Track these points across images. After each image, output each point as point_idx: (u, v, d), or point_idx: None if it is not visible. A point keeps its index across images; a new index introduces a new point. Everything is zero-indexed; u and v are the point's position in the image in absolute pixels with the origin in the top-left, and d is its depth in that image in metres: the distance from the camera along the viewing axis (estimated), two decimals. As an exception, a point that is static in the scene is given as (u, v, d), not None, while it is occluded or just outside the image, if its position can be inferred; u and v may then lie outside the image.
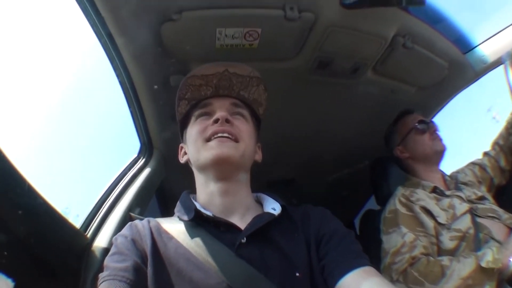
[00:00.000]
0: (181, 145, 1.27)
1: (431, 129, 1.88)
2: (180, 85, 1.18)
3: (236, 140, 1.09)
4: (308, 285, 0.98)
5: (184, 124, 1.23)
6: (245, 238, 0.99)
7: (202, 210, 1.06)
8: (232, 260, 0.97)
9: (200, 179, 1.16)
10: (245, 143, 1.11)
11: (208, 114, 1.15)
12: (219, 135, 1.08)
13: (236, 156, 1.07)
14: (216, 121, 1.09)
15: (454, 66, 2.00)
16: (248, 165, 1.16)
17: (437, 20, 1.85)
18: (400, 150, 1.94)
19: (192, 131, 1.15)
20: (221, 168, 1.09)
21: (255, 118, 1.24)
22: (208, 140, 1.09)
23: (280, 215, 1.07)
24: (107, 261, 0.98)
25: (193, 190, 1.20)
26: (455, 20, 1.94)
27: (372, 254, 1.63)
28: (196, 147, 1.12)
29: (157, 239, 1.02)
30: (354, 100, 2.06)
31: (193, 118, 1.18)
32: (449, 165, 2.00)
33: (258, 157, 1.22)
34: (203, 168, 1.12)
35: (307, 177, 2.59)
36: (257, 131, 1.24)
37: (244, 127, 1.14)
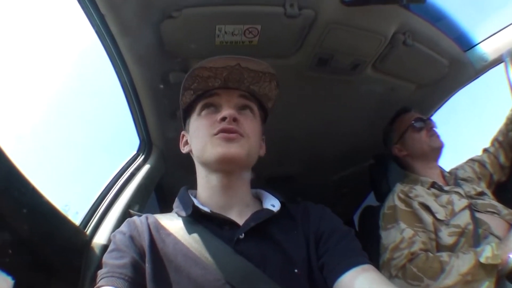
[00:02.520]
0: (183, 132, 1.25)
1: (428, 126, 1.88)
2: (186, 75, 1.13)
3: (242, 136, 1.07)
4: (306, 282, 0.97)
5: (187, 113, 1.20)
6: (243, 234, 0.99)
7: (200, 206, 1.06)
8: (230, 256, 0.96)
9: (201, 172, 1.14)
10: (251, 141, 1.09)
11: (215, 106, 1.12)
12: (226, 134, 1.05)
13: (242, 155, 1.06)
14: (224, 119, 1.06)
15: (454, 63, 2.00)
16: (253, 161, 1.14)
17: (438, 18, 1.85)
18: (398, 149, 1.94)
19: (198, 124, 1.13)
20: (226, 166, 1.08)
21: (262, 111, 1.22)
22: (214, 135, 1.06)
23: (279, 211, 1.07)
24: (106, 258, 0.98)
25: (192, 186, 1.19)
26: (456, 18, 1.94)
27: (371, 250, 1.64)
28: (201, 143, 1.09)
29: (155, 236, 1.02)
30: (354, 97, 2.06)
31: (198, 109, 1.15)
32: (449, 162, 2.01)
33: (262, 151, 1.20)
34: (206, 163, 1.10)
35: (307, 174, 2.59)
36: (263, 124, 1.22)
37: (252, 124, 1.12)
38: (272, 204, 1.10)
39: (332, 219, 1.11)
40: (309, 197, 1.40)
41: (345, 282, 0.92)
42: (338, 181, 2.70)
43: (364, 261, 0.96)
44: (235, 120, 1.06)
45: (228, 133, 1.05)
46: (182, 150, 1.22)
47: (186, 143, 1.21)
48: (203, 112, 1.13)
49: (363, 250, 1.03)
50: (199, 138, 1.11)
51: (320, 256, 1.01)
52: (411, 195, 1.69)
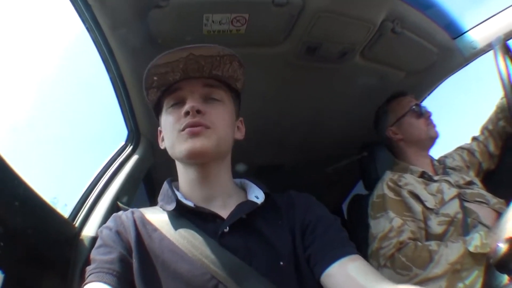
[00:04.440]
0: (159, 128, 1.22)
1: (426, 115, 1.87)
2: (144, 76, 1.10)
3: (208, 127, 1.04)
4: (293, 274, 0.98)
5: (158, 109, 1.18)
6: (227, 228, 0.99)
7: (183, 201, 1.05)
8: (216, 250, 0.96)
9: (179, 166, 1.14)
10: (219, 131, 1.06)
11: (180, 101, 1.09)
12: (191, 128, 1.03)
13: (209, 147, 1.03)
14: (187, 113, 1.04)
15: (443, 51, 2.00)
16: (226, 149, 1.12)
17: (426, 6, 1.84)
18: (393, 131, 1.91)
19: (166, 122, 1.11)
20: (196, 161, 1.06)
21: (233, 93, 1.18)
22: (181, 131, 1.04)
23: (263, 203, 1.06)
24: (94, 254, 0.98)
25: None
26: (444, 5, 1.93)
27: (360, 239, 1.65)
28: (170, 140, 1.08)
29: (141, 231, 1.01)
30: (343, 86, 2.05)
31: (164, 105, 1.13)
32: (438, 149, 2.01)
33: (240, 135, 1.19)
34: (178, 159, 1.10)
35: (296, 162, 2.60)
36: (237, 107, 1.20)
37: (219, 113, 1.09)
38: (256, 195, 1.09)
39: (318, 208, 1.10)
40: (299, 185, 1.40)
41: (332, 273, 0.92)
42: (328, 169, 2.70)
43: (351, 251, 0.96)
44: (199, 112, 1.04)
45: (193, 126, 1.03)
46: (160, 146, 1.20)
47: (163, 138, 1.18)
48: (170, 109, 1.11)
49: (351, 239, 1.02)
50: (168, 135, 1.10)
51: (306, 247, 1.01)
52: (400, 183, 1.68)
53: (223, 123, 1.08)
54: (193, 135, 1.02)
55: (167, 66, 1.06)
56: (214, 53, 1.06)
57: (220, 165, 1.11)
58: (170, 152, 1.11)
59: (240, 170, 1.18)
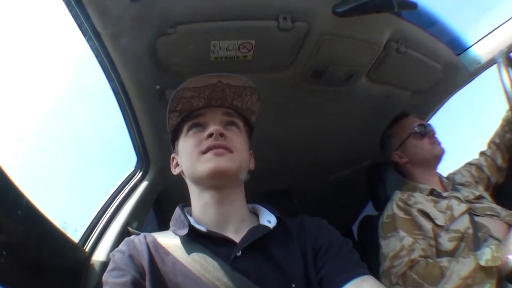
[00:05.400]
0: (172, 155, 1.26)
1: (430, 133, 1.86)
2: (170, 98, 1.16)
3: (231, 151, 1.08)
4: None
5: (175, 135, 1.23)
6: (240, 252, 1.00)
7: (196, 225, 1.06)
8: (229, 273, 0.96)
9: (194, 190, 1.15)
10: (240, 154, 1.11)
11: (201, 126, 1.15)
12: (214, 150, 1.07)
13: (233, 168, 1.07)
14: (210, 135, 1.08)
15: (448, 68, 2.00)
16: (244, 177, 1.15)
17: (429, 23, 1.85)
18: (398, 155, 1.91)
19: (186, 144, 1.14)
20: (217, 181, 1.08)
21: (247, 126, 1.24)
22: (203, 153, 1.08)
23: (275, 227, 1.07)
24: (106, 277, 0.98)
25: (189, 202, 1.19)
26: (447, 22, 1.94)
27: (371, 260, 1.65)
28: (191, 161, 1.11)
29: (154, 255, 1.02)
30: (350, 107, 2.06)
31: (185, 130, 1.17)
32: (446, 166, 2.01)
33: (252, 165, 1.22)
34: (198, 181, 1.12)
35: (305, 186, 2.58)
36: (250, 139, 1.24)
37: (238, 139, 1.14)
38: (268, 220, 1.10)
39: (329, 231, 1.11)
40: (308, 208, 1.40)
41: None
42: (337, 191, 2.69)
43: (363, 272, 0.96)
44: (222, 135, 1.09)
45: (217, 148, 1.07)
46: (173, 172, 1.24)
47: (177, 164, 1.22)
48: (190, 132, 1.15)
49: (362, 260, 1.03)
50: (188, 156, 1.12)
51: (318, 269, 1.01)
52: (410, 202, 1.68)
53: (243, 148, 1.14)
54: (218, 155, 1.06)
55: (194, 90, 1.13)
56: (240, 83, 1.14)
57: (236, 190, 1.13)
58: (188, 173, 1.14)
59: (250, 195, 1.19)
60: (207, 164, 1.06)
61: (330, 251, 1.03)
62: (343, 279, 0.94)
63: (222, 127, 1.12)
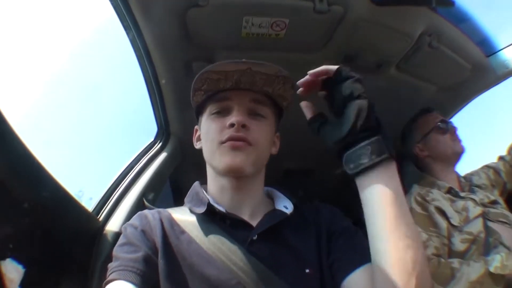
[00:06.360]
0: (196, 127, 1.22)
1: (452, 130, 1.87)
2: (195, 78, 1.08)
3: (250, 144, 1.03)
4: (317, 281, 0.97)
5: (200, 110, 1.17)
6: (256, 236, 0.99)
7: (215, 205, 1.04)
8: (244, 257, 0.95)
9: (211, 172, 1.13)
10: (259, 149, 1.06)
11: (225, 110, 1.08)
12: (234, 142, 1.02)
13: (247, 165, 1.03)
14: (232, 125, 1.03)
15: (476, 68, 1.99)
16: (263, 165, 1.12)
17: (462, 21, 1.83)
18: (419, 148, 1.91)
19: (209, 128, 1.09)
20: (232, 175, 1.06)
21: (277, 110, 1.17)
22: (223, 142, 1.04)
23: (292, 213, 1.06)
24: (117, 251, 0.96)
25: (206, 178, 1.17)
26: (480, 22, 1.92)
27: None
28: (210, 149, 1.07)
29: (168, 232, 1.00)
30: (376, 96, 2.02)
31: (208, 110, 1.11)
32: (464, 166, 1.99)
33: (275, 150, 1.17)
34: (215, 169, 1.09)
35: (324, 169, 2.57)
36: (278, 122, 1.19)
37: (262, 131, 1.08)
38: (285, 205, 1.09)
39: (342, 219, 1.10)
40: (325, 192, 1.38)
41: (354, 280, 0.92)
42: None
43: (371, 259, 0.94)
44: (244, 126, 1.03)
45: (236, 141, 1.02)
46: (195, 146, 1.20)
47: (199, 138, 1.18)
48: (213, 116, 1.09)
49: None
50: (208, 142, 1.08)
51: (330, 255, 1.00)
52: (427, 198, 1.68)
53: (264, 141, 1.08)
54: (235, 149, 1.01)
55: (220, 74, 1.05)
56: (272, 72, 1.06)
57: (254, 178, 1.11)
58: (207, 158, 1.11)
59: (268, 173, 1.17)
60: (223, 158, 1.03)
61: (341, 237, 1.02)
62: (352, 265, 0.94)
63: (247, 115, 1.07)
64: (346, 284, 0.93)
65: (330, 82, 0.92)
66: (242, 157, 1.02)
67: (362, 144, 0.85)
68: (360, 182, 0.87)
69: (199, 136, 1.18)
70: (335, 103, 0.91)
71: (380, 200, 0.84)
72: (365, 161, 0.85)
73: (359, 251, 0.97)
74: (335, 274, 0.97)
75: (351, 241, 1.01)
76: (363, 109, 0.86)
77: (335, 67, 0.92)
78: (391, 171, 0.86)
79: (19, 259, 1.01)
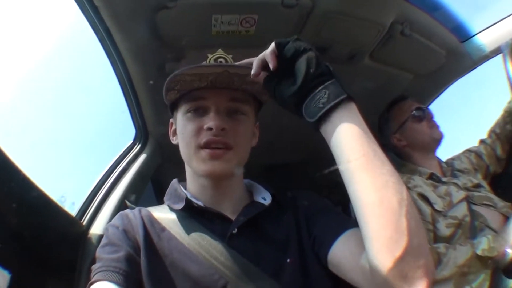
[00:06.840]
0: (171, 120, 1.17)
1: (428, 117, 1.85)
2: (167, 79, 1.02)
3: (229, 148, 1.01)
4: (299, 269, 0.97)
5: (174, 107, 1.12)
6: (236, 229, 0.99)
7: (194, 200, 1.04)
8: (224, 251, 0.96)
9: (190, 171, 1.10)
10: (240, 150, 1.04)
11: (201, 109, 1.04)
12: (213, 146, 0.99)
13: (229, 169, 1.02)
14: (210, 128, 0.99)
15: (451, 54, 1.99)
16: (243, 164, 1.09)
17: (435, 8, 1.83)
18: (397, 138, 1.88)
19: (183, 128, 1.05)
20: (212, 179, 1.05)
21: (257, 104, 1.13)
22: (201, 147, 1.00)
23: (270, 204, 1.06)
24: (99, 252, 0.96)
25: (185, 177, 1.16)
26: (453, 8, 1.91)
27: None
28: (188, 151, 1.04)
29: (149, 230, 1.00)
30: (351, 87, 2.03)
31: (183, 108, 1.06)
32: (445, 152, 2.00)
33: (255, 141, 1.15)
34: (194, 172, 1.07)
35: (303, 163, 2.58)
36: (257, 115, 1.15)
37: (242, 129, 1.05)
38: (263, 197, 1.09)
39: (318, 200, 1.10)
40: (306, 185, 1.39)
41: (338, 248, 0.91)
42: (335, 170, 2.69)
43: (352, 225, 0.92)
44: (223, 129, 0.99)
45: (214, 148, 0.99)
46: (172, 141, 1.16)
47: (175, 133, 1.13)
48: (189, 114, 1.04)
49: None
50: (185, 144, 1.04)
51: (310, 235, 1.00)
52: (409, 185, 1.66)
53: (245, 141, 1.06)
54: (214, 157, 0.99)
55: (195, 76, 1.00)
56: (249, 72, 0.98)
57: (232, 178, 1.08)
58: (185, 159, 1.08)
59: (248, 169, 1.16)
60: (202, 165, 1.01)
61: (319, 215, 1.03)
62: (333, 236, 0.93)
63: (225, 116, 1.03)
64: (331, 256, 0.92)
65: (279, 60, 0.88)
66: (222, 165, 1.00)
67: (318, 89, 0.82)
68: (324, 129, 0.83)
69: (174, 130, 1.14)
70: (285, 66, 0.87)
71: (347, 141, 0.80)
72: (324, 105, 0.81)
73: (338, 221, 0.98)
74: (319, 251, 0.97)
75: (329, 216, 1.02)
76: (311, 58, 0.85)
77: (271, 46, 0.89)
78: (352, 110, 0.82)
79: (4, 266, 1.02)
